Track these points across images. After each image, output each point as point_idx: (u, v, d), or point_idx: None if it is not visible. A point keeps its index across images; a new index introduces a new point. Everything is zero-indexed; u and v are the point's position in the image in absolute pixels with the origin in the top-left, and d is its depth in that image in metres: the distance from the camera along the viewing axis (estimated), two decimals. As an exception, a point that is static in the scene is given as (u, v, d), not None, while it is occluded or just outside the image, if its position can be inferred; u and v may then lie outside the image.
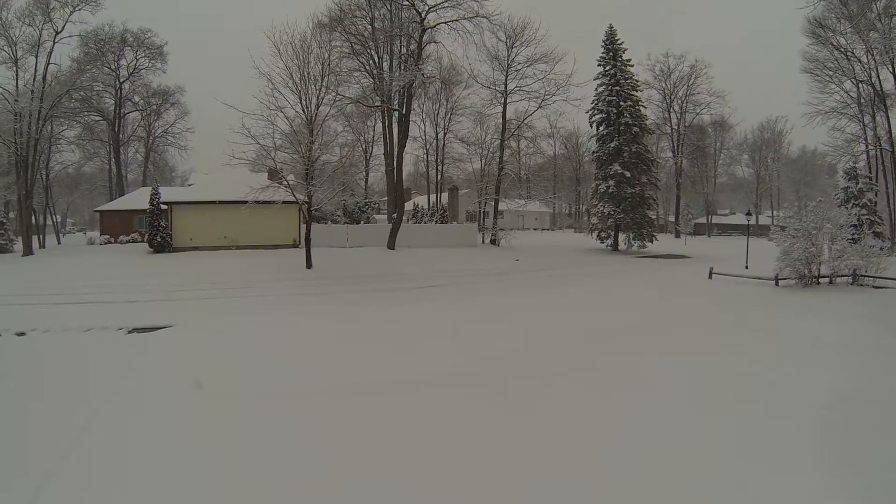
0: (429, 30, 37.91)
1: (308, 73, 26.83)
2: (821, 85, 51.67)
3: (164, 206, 35.05)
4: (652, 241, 44.41)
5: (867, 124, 49.90)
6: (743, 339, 12.81)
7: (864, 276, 22.24)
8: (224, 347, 12.19)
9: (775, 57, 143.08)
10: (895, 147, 47.17)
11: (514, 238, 44.57)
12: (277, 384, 9.39)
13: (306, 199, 27.45)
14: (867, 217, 35.98)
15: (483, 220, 48.89)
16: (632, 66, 45.43)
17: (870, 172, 48.51)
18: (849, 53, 48.10)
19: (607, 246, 45.26)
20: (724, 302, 18.95)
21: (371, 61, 42.46)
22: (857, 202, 37.68)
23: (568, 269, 30.98)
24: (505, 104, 43.51)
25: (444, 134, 57.50)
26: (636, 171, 43.21)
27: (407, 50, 40.32)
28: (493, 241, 43.87)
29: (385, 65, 41.71)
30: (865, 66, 47.52)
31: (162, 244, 34.09)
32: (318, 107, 27.43)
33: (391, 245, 36.42)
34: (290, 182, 27.66)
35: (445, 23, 37.53)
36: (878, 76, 46.45)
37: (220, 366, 10.62)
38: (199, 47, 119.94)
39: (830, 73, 50.69)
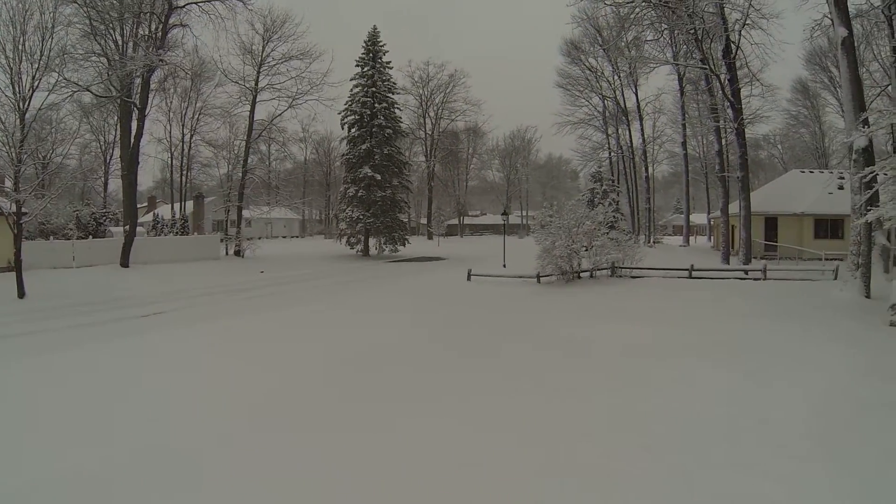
0: (177, 9, 33.26)
1: (24, 46, 21.43)
2: (572, 98, 61.23)
3: None
4: (404, 245, 44.76)
5: (611, 134, 60.15)
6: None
7: (622, 267, 24.32)
8: None
9: (529, 72, 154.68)
10: (634, 154, 56.64)
11: (260, 248, 41.51)
12: None
13: (14, 210, 21.63)
14: (613, 214, 39.41)
15: (228, 229, 44.92)
16: (391, 68, 45.46)
17: (612, 176, 55.12)
18: (598, 73, 57.20)
19: (358, 252, 44.29)
20: (492, 306, 18.46)
21: (114, 44, 36.72)
22: (602, 201, 40.87)
23: (316, 279, 28.94)
24: (254, 102, 40.83)
25: (192, 136, 52.18)
26: (387, 174, 43.10)
27: (153, 32, 35.47)
28: (237, 253, 40.14)
29: (129, 50, 36.43)
30: (612, 84, 56.66)
31: None
32: (32, 91, 21.94)
33: (124, 262, 30.81)
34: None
35: (196, 3, 33.36)
36: (623, 94, 55.99)
37: None
38: None
39: (581, 89, 59.90)
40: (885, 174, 16.16)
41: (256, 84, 40.06)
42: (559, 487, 5.68)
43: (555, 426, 7.44)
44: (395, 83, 46.12)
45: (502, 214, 38.19)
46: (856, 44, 26.92)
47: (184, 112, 51.92)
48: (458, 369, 10.69)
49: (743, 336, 12.97)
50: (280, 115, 42.14)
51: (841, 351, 11.37)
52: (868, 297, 17.38)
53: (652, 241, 53.01)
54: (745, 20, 30.77)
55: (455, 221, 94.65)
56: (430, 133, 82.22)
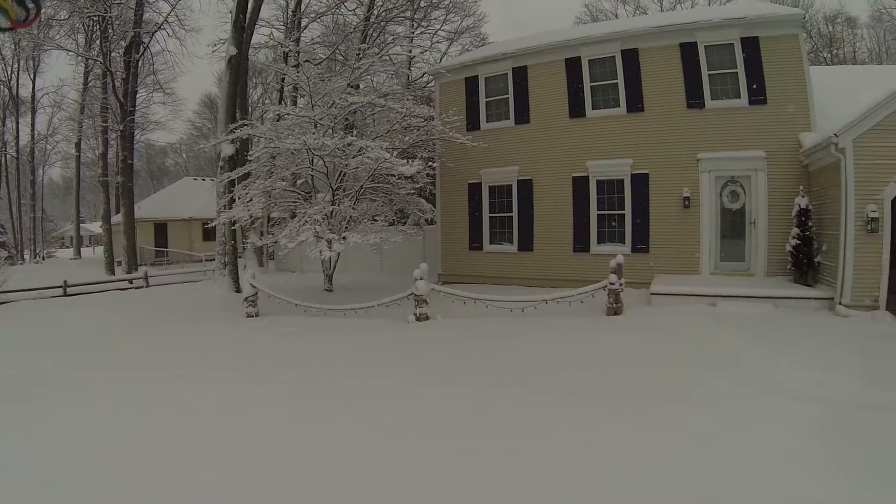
0: None
1: None
2: None
3: None
4: None
5: (-4, 129, 46.98)
6: None
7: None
8: None
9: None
10: (20, 154, 46.82)
11: None
12: None
13: None
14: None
15: None
16: None
17: (-7, 179, 46.18)
18: (-1, 52, 44.34)
19: None
20: None
21: None
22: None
23: None
24: None
25: None
26: None
27: None
28: None
29: None
30: (8, 67, 44.72)
31: None
32: None
33: None
34: None
35: None
36: (18, 81, 44.75)
37: None
38: None
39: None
40: (239, 177, 17.80)
41: None
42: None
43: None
44: None
45: None
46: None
47: None
48: None
49: (132, 347, 12.13)
50: None
51: (211, 344, 12.09)
52: (238, 291, 18.87)
53: (42, 255, 47.95)
54: (163, 25, 30.33)
55: None
56: None
